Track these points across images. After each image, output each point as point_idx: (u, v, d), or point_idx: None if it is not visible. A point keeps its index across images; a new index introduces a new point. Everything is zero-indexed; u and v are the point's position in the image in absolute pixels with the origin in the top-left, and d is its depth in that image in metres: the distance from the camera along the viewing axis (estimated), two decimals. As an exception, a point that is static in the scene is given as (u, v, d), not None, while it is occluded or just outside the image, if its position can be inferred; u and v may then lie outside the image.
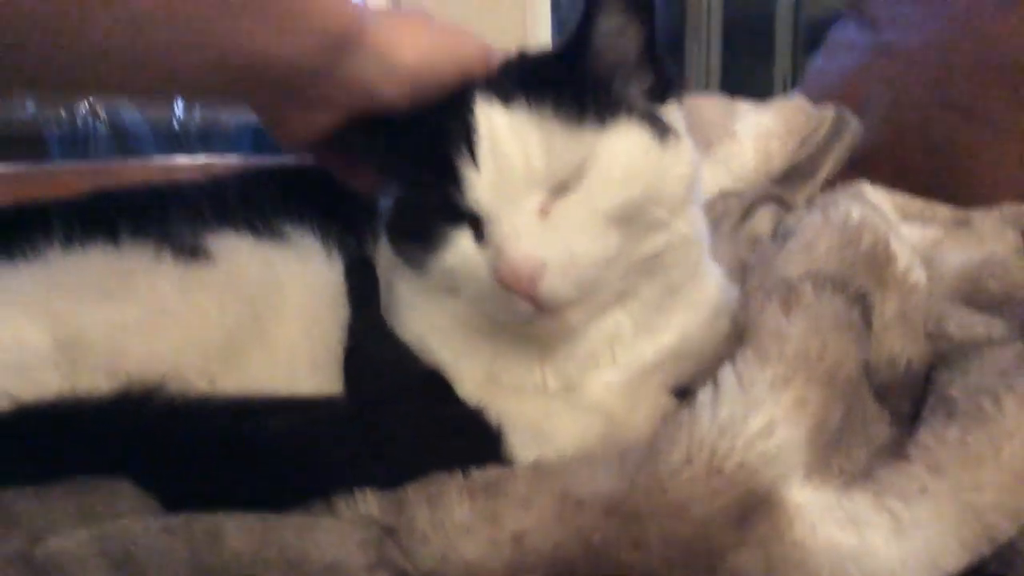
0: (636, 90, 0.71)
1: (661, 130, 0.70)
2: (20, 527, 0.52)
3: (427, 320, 0.75)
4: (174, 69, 0.60)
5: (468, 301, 0.70)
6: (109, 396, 0.60)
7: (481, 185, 0.65)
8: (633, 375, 0.73)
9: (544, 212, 0.66)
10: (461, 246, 0.68)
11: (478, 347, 0.73)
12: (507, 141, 0.65)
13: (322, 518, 0.55)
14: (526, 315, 0.66)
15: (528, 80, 0.68)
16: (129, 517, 0.54)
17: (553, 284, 0.64)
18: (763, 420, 0.56)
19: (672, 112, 0.73)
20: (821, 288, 0.65)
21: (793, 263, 0.69)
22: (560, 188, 0.66)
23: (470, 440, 0.65)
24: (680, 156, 0.71)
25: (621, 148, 0.67)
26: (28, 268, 0.68)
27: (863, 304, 0.66)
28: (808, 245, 0.71)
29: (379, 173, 0.77)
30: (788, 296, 0.65)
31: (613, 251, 0.67)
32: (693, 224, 0.74)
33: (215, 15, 0.59)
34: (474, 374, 0.73)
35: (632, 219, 0.67)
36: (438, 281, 0.71)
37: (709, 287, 0.79)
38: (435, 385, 0.71)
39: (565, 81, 0.67)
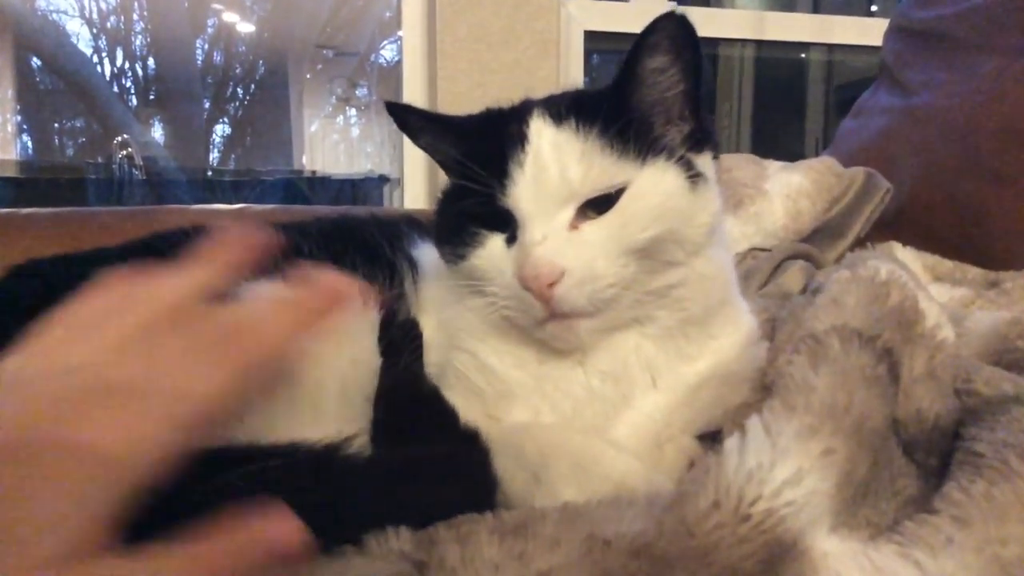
0: (676, 134, 0.76)
1: (694, 175, 0.75)
2: None
3: (479, 335, 0.80)
4: None
5: (489, 300, 0.75)
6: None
7: (521, 188, 0.72)
8: (679, 397, 0.77)
9: (574, 227, 0.72)
10: (492, 247, 0.75)
11: (526, 357, 0.78)
12: (550, 154, 0.72)
13: (355, 557, 0.56)
14: (539, 316, 0.72)
15: (580, 108, 0.73)
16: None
17: (568, 292, 0.70)
18: (790, 469, 0.56)
19: (706, 161, 0.78)
20: (848, 342, 0.66)
21: (821, 317, 0.70)
22: (592, 210, 0.72)
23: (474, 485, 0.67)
24: (707, 203, 0.76)
25: (656, 186, 0.73)
26: None
27: (890, 359, 0.67)
28: (835, 300, 0.72)
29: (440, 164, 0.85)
30: (816, 349, 0.66)
31: (629, 278, 0.72)
32: (714, 264, 0.78)
33: None
34: (525, 384, 0.78)
35: (651, 253, 0.72)
36: (466, 277, 0.77)
37: (740, 319, 0.83)
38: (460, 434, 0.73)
39: (613, 114, 0.73)
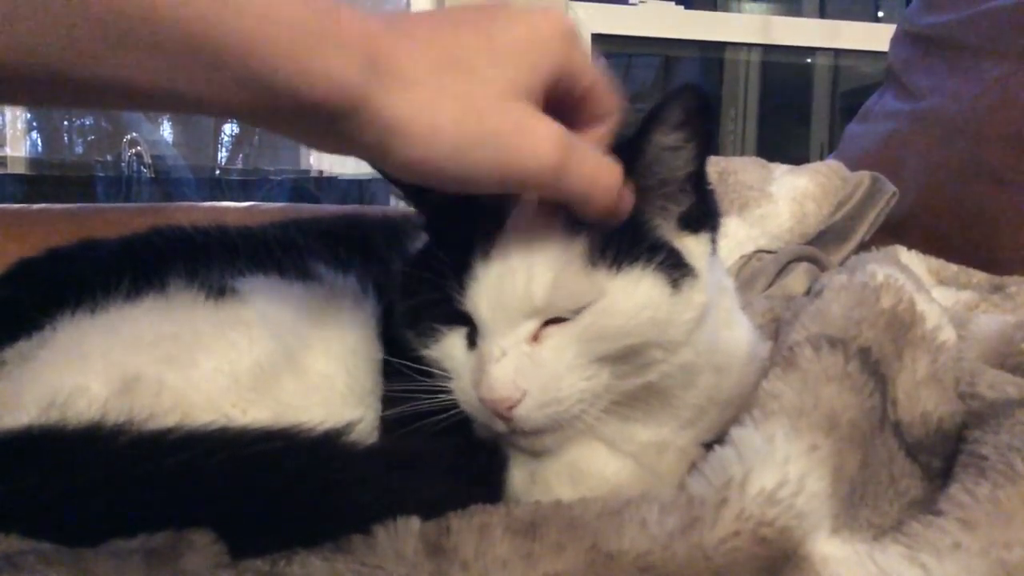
0: (672, 213, 0.69)
1: (678, 274, 0.66)
2: None
3: None
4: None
5: (455, 395, 0.68)
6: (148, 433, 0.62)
7: (482, 291, 0.65)
8: (657, 439, 0.73)
9: (536, 339, 0.65)
10: (451, 347, 0.68)
11: None
12: (519, 260, 0.64)
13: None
14: (500, 431, 0.66)
15: None
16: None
17: (529, 414, 0.64)
18: (780, 472, 0.58)
19: (699, 245, 0.70)
20: (817, 348, 0.67)
21: (804, 327, 0.70)
22: (557, 318, 0.65)
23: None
24: (691, 300, 0.67)
25: (627, 300, 0.65)
26: (91, 321, 0.70)
27: (865, 357, 0.67)
28: (820, 310, 0.72)
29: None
30: (789, 359, 0.67)
31: (600, 388, 0.66)
32: (699, 349, 0.69)
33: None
34: None
35: (625, 359, 0.66)
36: (432, 365, 0.70)
37: (733, 349, 0.76)
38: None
39: None
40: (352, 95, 0.50)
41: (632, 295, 0.64)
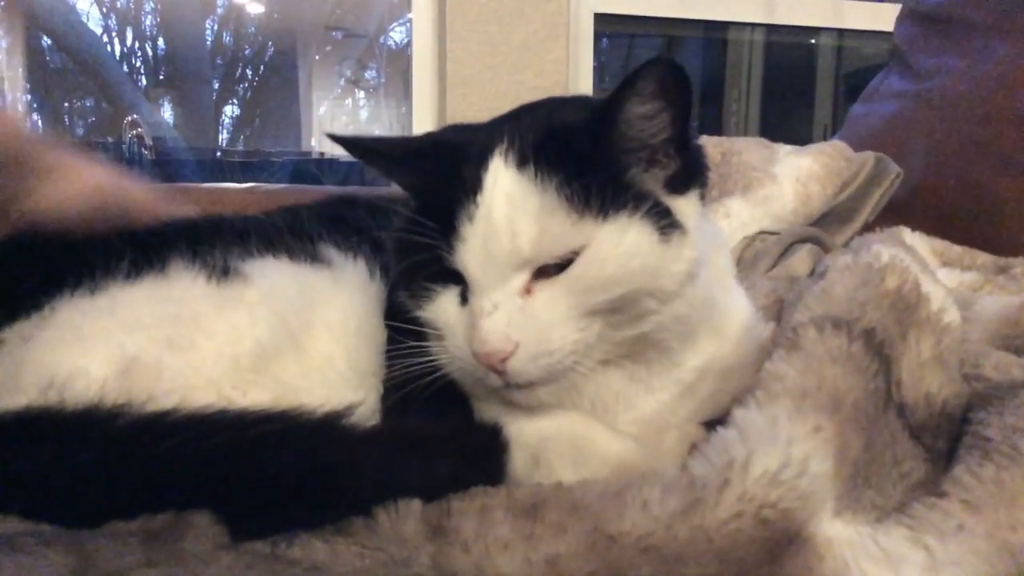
0: (657, 176, 0.70)
1: (666, 225, 0.67)
2: (95, 567, 0.53)
3: None
4: None
5: (450, 353, 0.70)
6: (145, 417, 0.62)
7: (470, 249, 0.66)
8: (659, 409, 0.73)
9: (527, 291, 0.66)
10: (444, 304, 0.70)
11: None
12: (502, 211, 0.66)
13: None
14: (495, 385, 0.67)
15: (548, 147, 0.67)
16: (194, 559, 0.54)
17: (522, 366, 0.65)
18: (783, 454, 0.57)
19: (688, 204, 0.71)
20: (821, 329, 0.67)
21: (808, 308, 0.70)
22: (547, 269, 0.66)
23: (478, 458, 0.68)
24: (681, 253, 0.68)
25: (616, 247, 0.66)
26: (91, 301, 0.70)
27: (869, 338, 0.67)
28: (825, 290, 0.72)
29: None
30: (793, 340, 0.67)
31: (592, 338, 0.67)
32: (693, 302, 0.70)
33: None
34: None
35: (618, 309, 0.67)
36: (426, 325, 0.71)
37: (729, 318, 0.78)
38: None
39: (583, 161, 0.66)
40: None
41: (619, 242, 0.66)
